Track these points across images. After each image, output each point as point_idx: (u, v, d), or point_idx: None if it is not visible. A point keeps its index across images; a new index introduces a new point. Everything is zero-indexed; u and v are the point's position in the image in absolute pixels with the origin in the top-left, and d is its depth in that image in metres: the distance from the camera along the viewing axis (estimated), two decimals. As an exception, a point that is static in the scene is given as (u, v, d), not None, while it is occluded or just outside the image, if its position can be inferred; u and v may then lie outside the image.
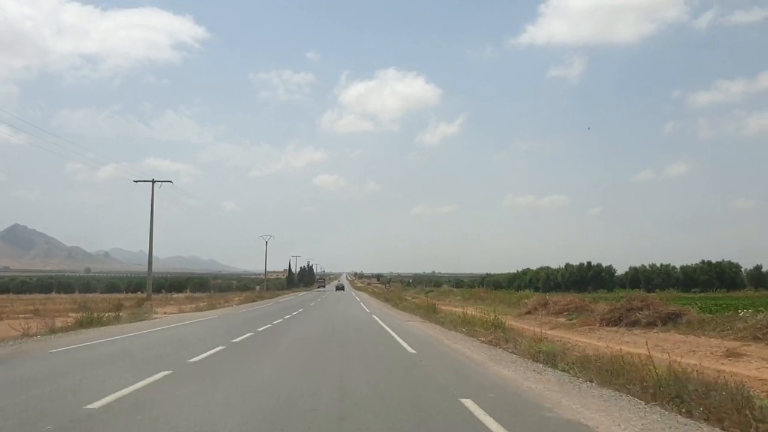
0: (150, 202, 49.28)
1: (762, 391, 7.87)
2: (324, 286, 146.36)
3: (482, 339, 15.38)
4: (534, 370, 9.90)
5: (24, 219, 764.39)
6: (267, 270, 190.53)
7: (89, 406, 6.60)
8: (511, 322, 21.78)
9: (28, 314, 26.84)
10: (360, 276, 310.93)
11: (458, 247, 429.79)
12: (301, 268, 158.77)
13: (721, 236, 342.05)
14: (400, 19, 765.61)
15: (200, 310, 36.11)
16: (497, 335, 15.31)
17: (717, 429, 5.79)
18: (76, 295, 65.54)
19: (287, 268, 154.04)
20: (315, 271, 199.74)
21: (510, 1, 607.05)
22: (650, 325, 18.51)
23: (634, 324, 18.93)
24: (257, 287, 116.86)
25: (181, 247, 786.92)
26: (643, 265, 73.80)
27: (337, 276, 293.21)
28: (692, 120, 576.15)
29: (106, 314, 22.58)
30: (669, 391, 6.72)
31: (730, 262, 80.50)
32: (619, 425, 6.04)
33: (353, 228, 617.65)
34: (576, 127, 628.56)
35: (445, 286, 59.76)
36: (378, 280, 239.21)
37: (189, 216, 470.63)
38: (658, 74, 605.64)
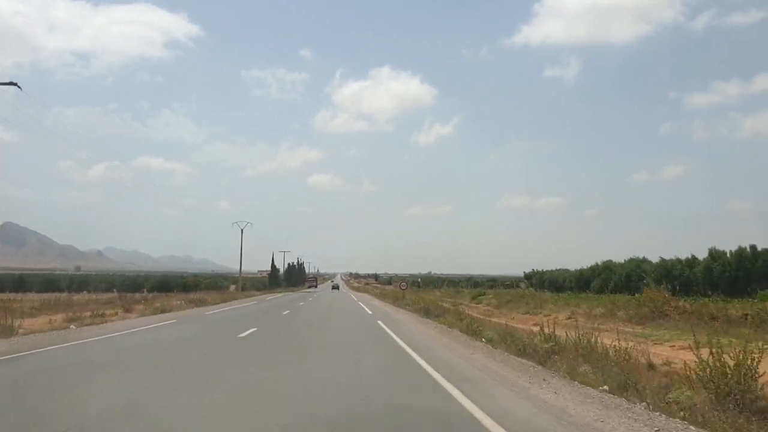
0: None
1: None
2: (315, 286, 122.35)
3: None
4: None
5: (16, 217, 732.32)
6: (259, 269, 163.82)
7: None
8: None
9: None
10: (356, 276, 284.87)
11: (456, 247, 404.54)
12: (288, 264, 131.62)
13: (718, 237, 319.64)
14: (394, 18, 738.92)
15: None
16: None
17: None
18: None
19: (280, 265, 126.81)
20: (307, 269, 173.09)
21: (505, 1, 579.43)
22: None
23: None
24: (232, 286, 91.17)
25: (174, 247, 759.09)
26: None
27: (331, 276, 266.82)
28: (688, 121, 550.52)
29: None
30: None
31: None
32: None
33: (348, 228, 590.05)
34: (572, 127, 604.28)
35: (523, 285, 33.94)
36: (376, 279, 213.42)
37: (182, 215, 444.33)
38: (654, 75, 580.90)
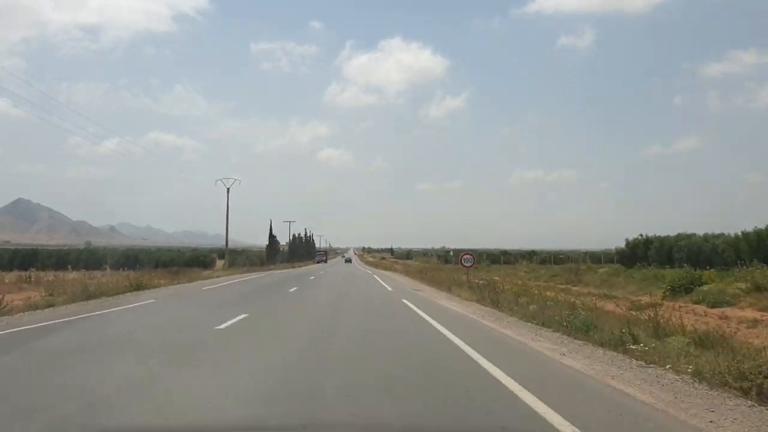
0: None
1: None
2: (325, 261, 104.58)
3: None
4: None
5: (28, 193, 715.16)
6: (267, 244, 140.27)
7: None
8: None
9: None
10: (368, 250, 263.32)
11: (469, 221, 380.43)
12: (293, 236, 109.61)
13: (736, 210, 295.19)
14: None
15: None
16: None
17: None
18: None
19: (288, 239, 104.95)
20: (318, 243, 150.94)
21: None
22: None
23: None
24: (220, 261, 70.02)
25: (188, 222, 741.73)
26: None
27: (343, 251, 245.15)
28: (702, 92, 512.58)
29: None
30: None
31: None
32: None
33: (359, 203, 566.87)
34: (586, 99, 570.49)
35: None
36: (391, 254, 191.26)
37: (194, 190, 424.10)
38: (669, 44, 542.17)
